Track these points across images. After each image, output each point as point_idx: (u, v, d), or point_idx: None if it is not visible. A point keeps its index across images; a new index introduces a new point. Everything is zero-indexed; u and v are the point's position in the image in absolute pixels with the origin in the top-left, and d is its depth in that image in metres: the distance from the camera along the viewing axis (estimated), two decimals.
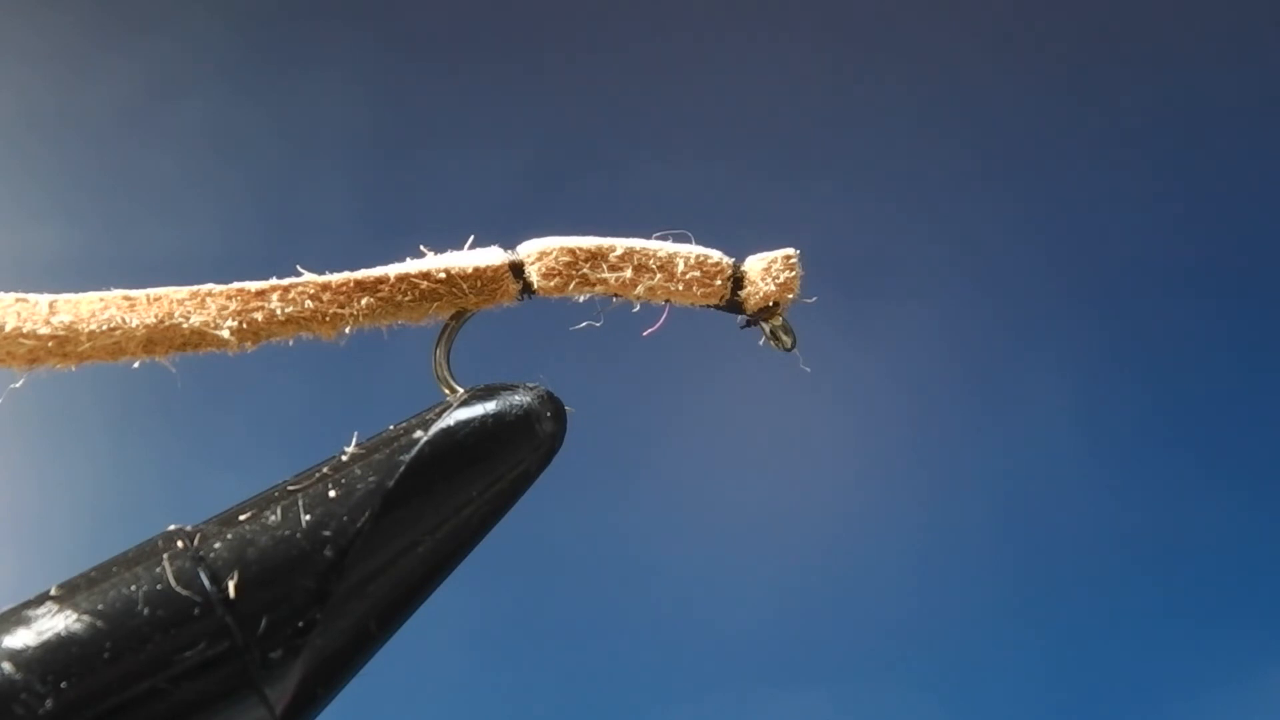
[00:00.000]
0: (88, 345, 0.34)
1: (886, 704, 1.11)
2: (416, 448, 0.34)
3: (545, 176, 1.24)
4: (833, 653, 1.13)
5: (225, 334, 0.35)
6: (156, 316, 0.34)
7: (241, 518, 0.33)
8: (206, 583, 0.31)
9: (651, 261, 0.38)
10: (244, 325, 0.35)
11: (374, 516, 0.33)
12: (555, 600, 1.14)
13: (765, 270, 0.39)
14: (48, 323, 0.33)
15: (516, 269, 0.38)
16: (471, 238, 0.39)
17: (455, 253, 0.38)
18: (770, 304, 0.39)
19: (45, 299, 0.34)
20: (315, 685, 0.32)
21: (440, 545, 0.34)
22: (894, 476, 1.19)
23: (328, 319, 0.36)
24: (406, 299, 0.37)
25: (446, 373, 0.38)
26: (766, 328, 0.40)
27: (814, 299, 0.40)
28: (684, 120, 1.27)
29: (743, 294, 0.39)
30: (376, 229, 1.19)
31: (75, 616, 0.30)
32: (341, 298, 0.36)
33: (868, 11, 1.32)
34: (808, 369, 0.41)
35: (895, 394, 1.21)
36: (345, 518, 0.33)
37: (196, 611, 0.31)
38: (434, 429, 0.35)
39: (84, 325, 0.34)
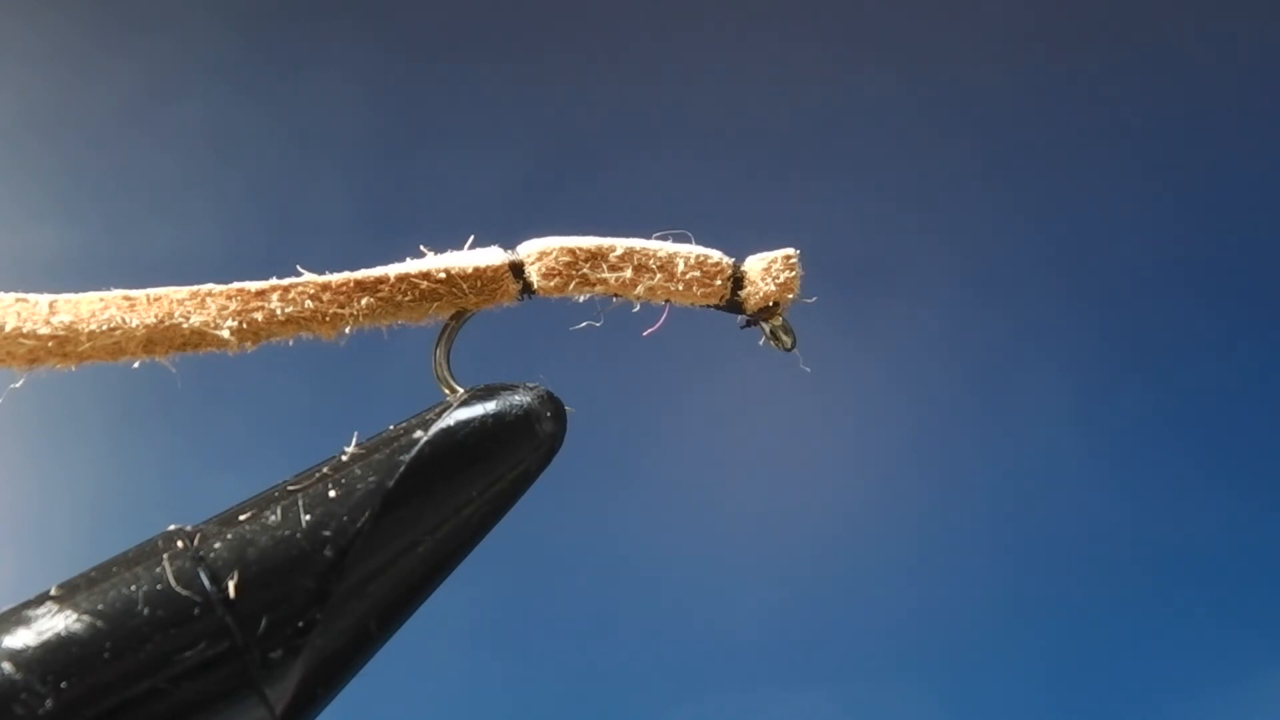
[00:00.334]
0: (88, 345, 0.34)
1: (887, 704, 1.11)
2: (416, 448, 0.34)
3: (545, 176, 1.24)
4: (833, 652, 1.13)
5: (225, 334, 0.35)
6: (156, 316, 0.34)
7: (241, 518, 0.33)
8: (206, 583, 0.31)
9: (651, 261, 0.38)
10: (244, 325, 0.35)
11: (374, 516, 0.33)
12: (555, 600, 1.14)
13: (765, 270, 0.39)
14: (48, 323, 0.33)
15: (516, 269, 0.38)
16: (471, 238, 0.39)
17: (455, 253, 0.38)
18: (770, 304, 0.39)
19: (45, 299, 0.34)
20: (315, 685, 0.32)
21: (440, 545, 0.34)
22: (894, 476, 1.19)
23: (328, 319, 0.36)
24: (406, 299, 0.37)
25: (446, 373, 0.38)
26: (766, 328, 0.40)
27: (814, 299, 0.40)
28: (684, 120, 1.27)
29: (743, 294, 0.39)
30: (376, 229, 1.19)
31: (75, 616, 0.30)
32: (341, 298, 0.36)
33: (867, 11, 1.32)
34: (808, 369, 0.41)
35: (895, 394, 1.21)
36: (345, 518, 0.33)
37: (196, 611, 0.31)
38: (434, 429, 0.35)
39: (84, 325, 0.34)
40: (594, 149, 1.25)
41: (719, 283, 0.39)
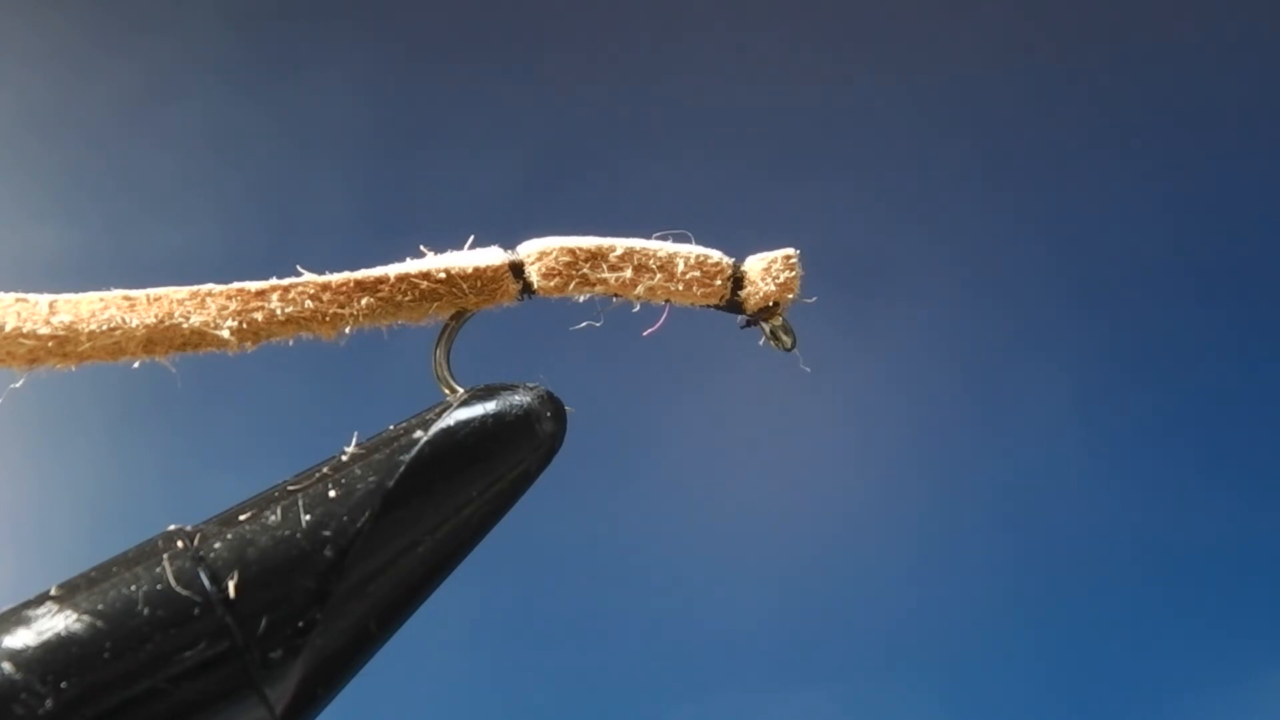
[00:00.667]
0: (88, 345, 0.34)
1: (886, 704, 1.11)
2: (416, 448, 0.34)
3: (545, 176, 1.24)
4: (833, 652, 1.13)
5: (225, 334, 0.35)
6: (156, 316, 0.34)
7: (241, 518, 0.33)
8: (206, 583, 0.31)
9: (651, 261, 0.38)
10: (244, 325, 0.35)
11: (374, 516, 0.33)
12: (555, 600, 1.14)
13: (765, 270, 0.39)
14: (48, 323, 0.33)
15: (516, 269, 0.38)
16: (471, 238, 0.39)
17: (455, 253, 0.38)
18: (770, 304, 0.39)
19: (45, 299, 0.34)
20: (315, 685, 0.32)
21: (440, 545, 0.34)
22: (894, 476, 1.19)
23: (328, 319, 0.36)
24: (406, 299, 0.37)
25: (446, 373, 0.38)
26: (766, 328, 0.40)
27: (814, 299, 0.40)
28: (684, 120, 1.27)
29: (743, 294, 0.39)
30: (376, 229, 1.19)
31: (75, 616, 0.30)
32: (341, 298, 0.36)
33: (867, 12, 1.32)
34: (808, 369, 0.41)
35: (895, 394, 1.21)
36: (345, 518, 0.33)
37: (196, 611, 0.31)
38: (434, 429, 0.35)
39: (84, 325, 0.34)
40: (594, 149, 1.25)
41: (719, 283, 0.39)
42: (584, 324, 0.39)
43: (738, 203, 1.21)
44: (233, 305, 0.35)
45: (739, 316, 0.40)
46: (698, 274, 0.39)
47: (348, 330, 0.37)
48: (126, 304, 0.34)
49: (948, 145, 1.27)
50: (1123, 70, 1.29)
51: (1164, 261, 1.24)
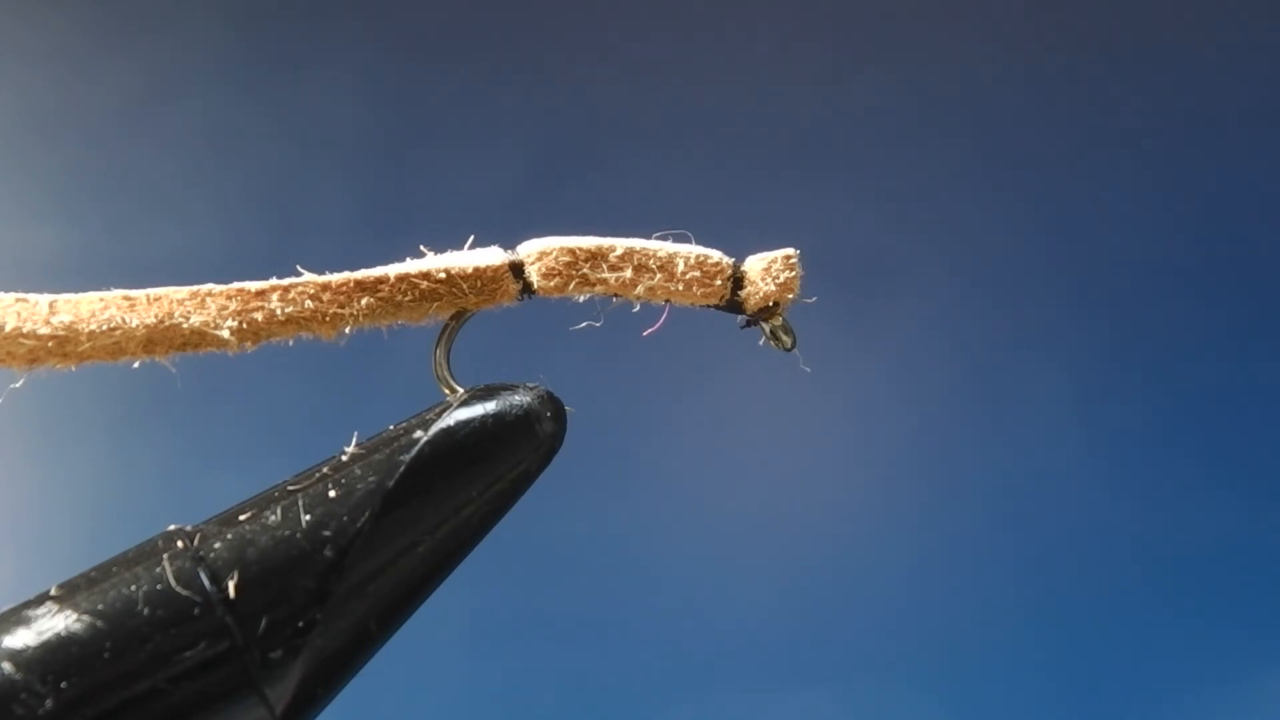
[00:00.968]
0: (88, 345, 0.34)
1: (886, 704, 1.11)
2: (416, 448, 0.34)
3: (545, 176, 1.24)
4: (833, 653, 1.13)
5: (225, 334, 0.35)
6: (156, 316, 0.34)
7: (241, 518, 0.33)
8: (206, 583, 0.31)
9: (651, 261, 0.38)
10: (244, 325, 0.35)
11: (374, 516, 0.33)
12: (555, 600, 1.14)
13: (765, 270, 0.39)
14: (48, 323, 0.33)
15: (516, 269, 0.38)
16: (471, 238, 0.39)
17: (455, 253, 0.38)
18: (770, 304, 0.39)
19: (45, 299, 0.34)
20: (315, 685, 0.32)
21: (440, 545, 0.34)
22: (894, 476, 1.19)
23: (328, 319, 0.36)
24: (406, 299, 0.37)
25: (446, 373, 0.38)
26: (766, 328, 0.40)
27: (814, 299, 0.40)
28: (683, 120, 1.27)
29: (743, 294, 0.39)
30: (376, 229, 1.19)
31: (75, 616, 0.30)
32: (341, 298, 0.36)
33: (867, 11, 1.32)
34: (808, 369, 0.41)
35: (895, 394, 1.21)
36: (345, 518, 0.33)
37: (196, 611, 0.31)
38: (434, 429, 0.35)
39: (84, 325, 0.34)
40: (594, 149, 1.25)
41: (719, 283, 0.39)
42: (584, 324, 0.39)
43: (738, 203, 1.21)
44: (233, 305, 0.35)
45: (739, 316, 0.40)
46: (698, 274, 0.39)
47: (348, 330, 0.37)
48: (126, 304, 0.34)
49: (947, 145, 1.27)
50: (1123, 70, 1.29)
51: (1164, 261, 1.24)
